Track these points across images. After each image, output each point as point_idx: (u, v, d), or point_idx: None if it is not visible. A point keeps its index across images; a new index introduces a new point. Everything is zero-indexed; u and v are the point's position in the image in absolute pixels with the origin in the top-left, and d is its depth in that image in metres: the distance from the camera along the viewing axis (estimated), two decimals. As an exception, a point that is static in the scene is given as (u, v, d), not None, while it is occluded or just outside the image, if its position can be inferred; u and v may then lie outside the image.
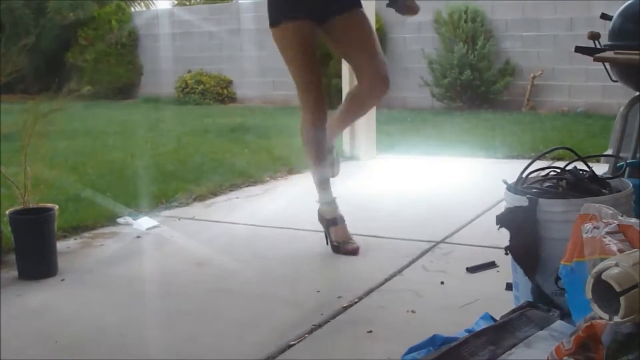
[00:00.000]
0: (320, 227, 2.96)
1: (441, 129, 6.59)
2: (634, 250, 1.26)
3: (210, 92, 10.56)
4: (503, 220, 1.82)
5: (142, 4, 12.89)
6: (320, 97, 2.71)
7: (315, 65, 2.70)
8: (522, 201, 1.79)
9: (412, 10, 2.75)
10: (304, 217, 3.13)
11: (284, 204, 3.79)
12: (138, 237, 3.18)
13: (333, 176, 2.94)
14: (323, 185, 2.90)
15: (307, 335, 2.01)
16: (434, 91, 8.54)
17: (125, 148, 5.72)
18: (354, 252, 2.78)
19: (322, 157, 2.84)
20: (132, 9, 12.52)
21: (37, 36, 11.28)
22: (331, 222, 2.86)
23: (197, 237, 3.18)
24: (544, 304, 1.63)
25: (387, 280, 2.46)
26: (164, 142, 6.00)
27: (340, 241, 2.82)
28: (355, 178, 4.47)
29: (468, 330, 1.60)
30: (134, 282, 2.58)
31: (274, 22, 2.68)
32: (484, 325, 1.57)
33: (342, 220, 2.87)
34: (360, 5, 2.79)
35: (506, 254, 1.86)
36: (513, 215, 1.80)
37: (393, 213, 3.47)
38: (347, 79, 5.09)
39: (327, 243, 2.87)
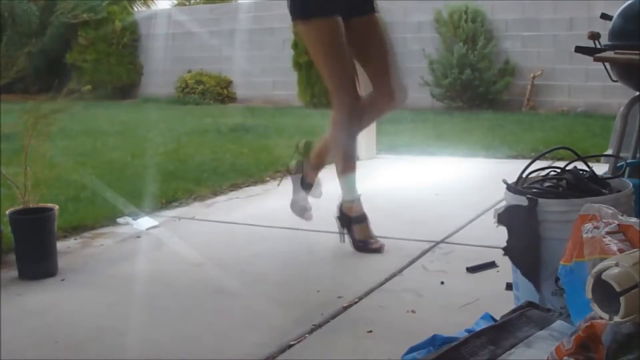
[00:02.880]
0: (320, 227, 2.97)
1: (441, 129, 6.59)
2: (634, 250, 1.26)
3: (210, 92, 10.56)
4: (503, 219, 1.82)
5: (145, 3, 12.87)
6: (356, 90, 2.69)
7: (351, 65, 2.69)
8: (522, 201, 1.79)
9: None
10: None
11: (284, 204, 3.78)
12: (138, 237, 3.18)
13: (317, 197, 2.96)
14: (349, 181, 2.86)
15: (307, 335, 2.01)
16: (434, 91, 8.54)
17: (125, 148, 5.72)
18: (379, 250, 2.78)
19: (353, 151, 2.85)
20: (135, 9, 12.51)
21: (38, 36, 11.28)
22: (355, 220, 2.83)
23: (197, 237, 3.18)
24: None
25: (387, 280, 2.46)
26: (164, 142, 6.00)
27: (364, 239, 2.81)
28: (355, 178, 4.47)
29: (468, 330, 1.59)
30: (134, 282, 2.58)
31: (306, 17, 2.65)
32: (484, 325, 1.57)
33: (366, 218, 2.84)
34: (376, 11, 2.80)
35: (504, 254, 1.86)
36: (512, 214, 1.80)
37: (393, 213, 3.47)
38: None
39: (343, 241, 2.86)
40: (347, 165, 2.85)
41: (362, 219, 2.84)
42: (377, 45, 2.76)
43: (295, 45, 8.92)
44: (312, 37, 2.67)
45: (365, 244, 2.80)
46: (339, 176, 2.87)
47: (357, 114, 2.72)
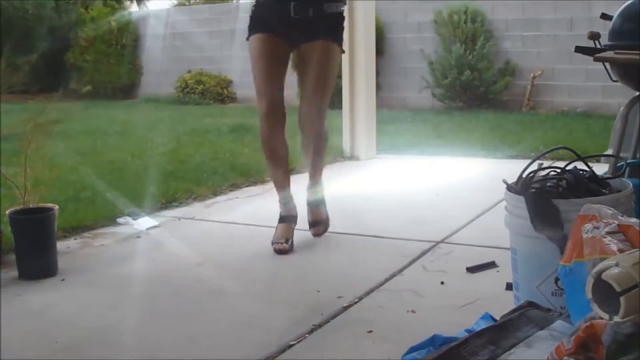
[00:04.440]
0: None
1: (441, 129, 6.59)
2: (634, 250, 1.26)
3: (210, 92, 10.55)
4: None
5: (134, 3, 12.85)
6: (273, 105, 2.86)
7: (274, 75, 2.88)
8: (523, 201, 1.79)
9: None
10: (304, 216, 3.13)
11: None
12: (138, 237, 3.18)
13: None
14: (280, 185, 3.05)
15: (307, 335, 2.01)
16: (434, 91, 8.54)
17: (125, 148, 5.72)
18: (280, 252, 2.83)
19: (275, 162, 2.99)
20: (127, 10, 12.50)
21: (30, 36, 11.27)
22: (281, 218, 2.98)
23: (197, 237, 3.18)
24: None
25: (387, 280, 2.46)
26: (164, 142, 6.00)
27: (274, 240, 2.89)
28: (355, 178, 4.48)
29: (468, 330, 1.59)
30: (134, 282, 2.58)
31: (248, 37, 2.90)
32: (484, 325, 1.57)
33: (292, 220, 2.99)
34: (330, 39, 2.89)
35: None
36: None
37: (393, 213, 3.47)
38: (347, 80, 5.11)
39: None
40: (268, 164, 3.05)
41: (288, 219, 2.98)
42: (311, 71, 2.89)
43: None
44: (250, 51, 2.90)
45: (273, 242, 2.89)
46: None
47: (267, 121, 2.88)
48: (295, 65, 3.09)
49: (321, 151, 3.07)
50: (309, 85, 2.90)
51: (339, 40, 2.92)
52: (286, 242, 2.86)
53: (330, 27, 2.88)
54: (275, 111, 2.88)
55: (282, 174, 3.03)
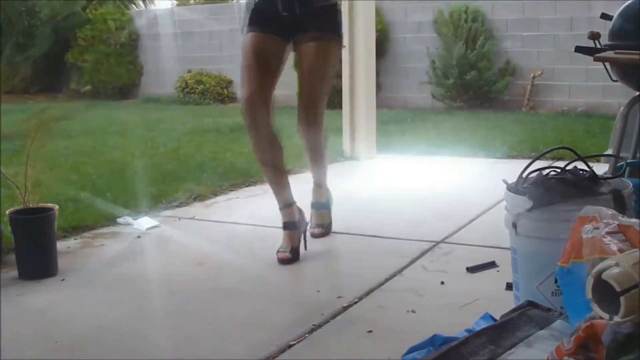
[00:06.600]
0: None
1: (441, 128, 6.59)
2: (634, 250, 1.26)
3: (210, 92, 10.55)
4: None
5: (142, 3, 12.83)
6: (253, 93, 2.83)
7: (259, 69, 2.82)
8: (525, 201, 1.79)
9: None
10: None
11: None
12: (138, 237, 3.18)
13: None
14: (275, 188, 2.87)
15: (307, 335, 2.01)
16: (435, 91, 8.54)
17: (125, 148, 5.72)
18: (281, 260, 2.69)
19: (264, 158, 2.83)
20: (134, 8, 12.48)
21: (32, 36, 11.28)
22: (284, 225, 2.80)
23: (197, 237, 3.18)
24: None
25: (387, 280, 2.47)
26: (164, 142, 6.00)
27: (278, 249, 2.74)
28: (355, 178, 4.48)
29: (468, 330, 1.59)
30: (134, 282, 2.58)
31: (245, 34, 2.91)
32: (484, 325, 1.57)
33: (294, 226, 2.78)
34: (324, 34, 2.78)
35: None
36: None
37: (393, 213, 3.47)
38: (347, 80, 5.10)
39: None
40: (258, 160, 2.89)
41: (290, 226, 2.79)
42: (306, 66, 2.80)
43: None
44: (241, 48, 2.93)
45: (278, 251, 2.74)
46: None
47: (248, 108, 2.86)
48: (295, 64, 3.01)
49: (321, 155, 2.97)
50: (304, 85, 2.82)
51: (335, 34, 2.81)
52: (290, 251, 2.71)
53: (323, 21, 2.78)
54: (255, 98, 2.78)
55: (273, 173, 2.83)
